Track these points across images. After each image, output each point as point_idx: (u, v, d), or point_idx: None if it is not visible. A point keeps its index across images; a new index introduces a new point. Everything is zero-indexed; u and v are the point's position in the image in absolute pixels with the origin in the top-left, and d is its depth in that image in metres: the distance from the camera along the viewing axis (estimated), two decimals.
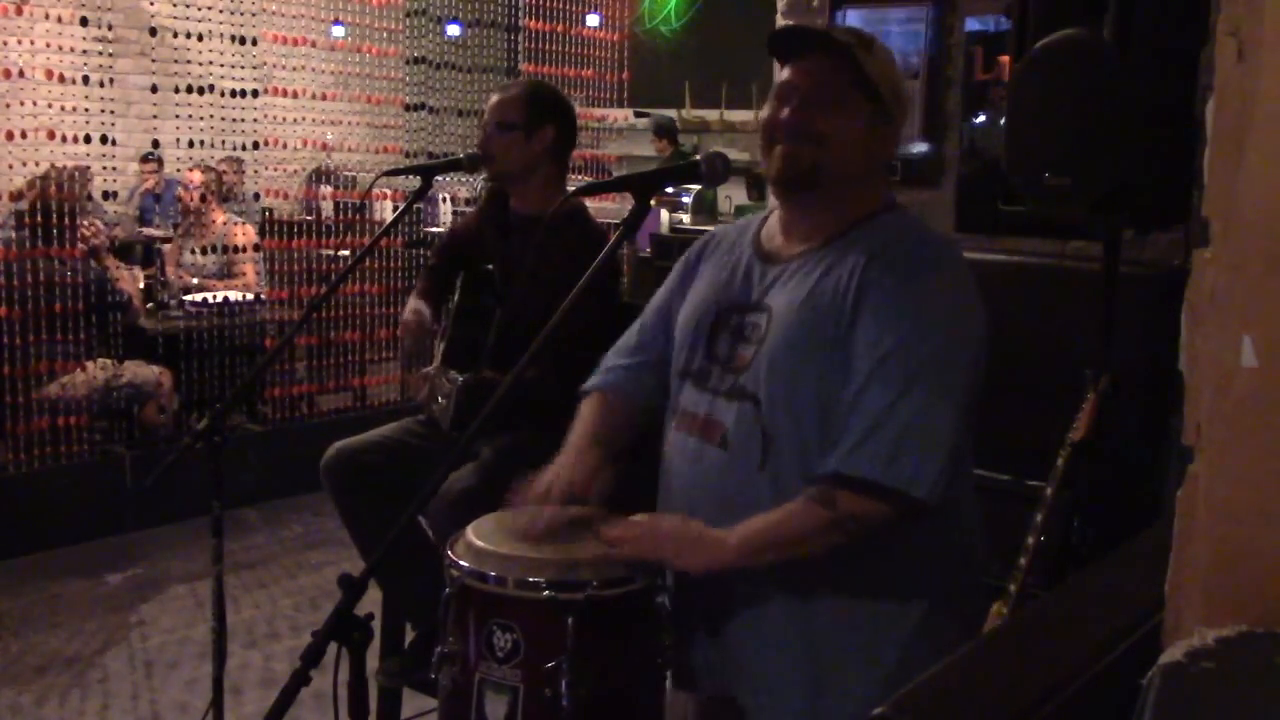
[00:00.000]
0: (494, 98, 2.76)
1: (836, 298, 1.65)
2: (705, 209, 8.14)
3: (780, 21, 3.77)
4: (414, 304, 2.82)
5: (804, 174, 1.72)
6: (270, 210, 6.14)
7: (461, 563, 1.67)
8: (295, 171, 6.84)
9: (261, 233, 5.73)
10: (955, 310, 1.67)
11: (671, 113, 9.15)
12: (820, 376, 1.64)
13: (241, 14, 5.44)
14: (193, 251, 5.52)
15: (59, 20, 5.02)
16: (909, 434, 1.57)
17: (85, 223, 4.56)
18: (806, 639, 1.68)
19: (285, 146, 5.82)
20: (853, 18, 3.33)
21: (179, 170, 6.36)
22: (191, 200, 5.52)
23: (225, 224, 5.60)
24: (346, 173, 7.24)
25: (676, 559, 1.67)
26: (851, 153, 1.71)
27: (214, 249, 5.48)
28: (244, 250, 5.54)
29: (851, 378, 1.61)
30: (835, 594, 1.67)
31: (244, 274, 5.55)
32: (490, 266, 2.73)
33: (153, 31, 5.20)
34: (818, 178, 1.72)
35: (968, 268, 1.72)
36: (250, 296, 5.38)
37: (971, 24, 3.08)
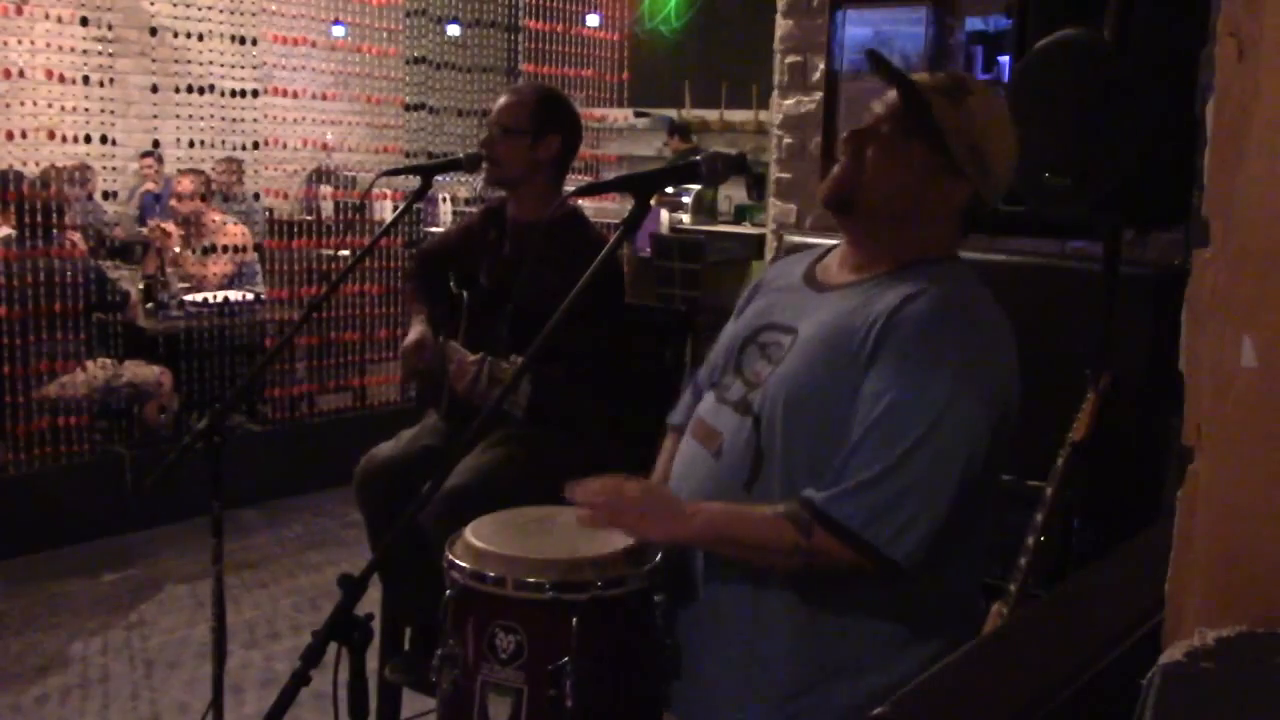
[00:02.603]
0: (502, 99, 2.71)
1: (859, 335, 1.61)
2: (705, 209, 8.13)
3: (781, 22, 3.77)
4: (416, 330, 2.71)
5: (840, 195, 1.71)
6: (270, 210, 6.14)
7: (462, 564, 1.67)
8: (295, 171, 6.84)
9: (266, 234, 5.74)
10: (980, 373, 1.60)
11: (671, 113, 9.15)
12: (824, 409, 1.61)
13: (241, 14, 5.44)
14: (192, 252, 5.52)
15: (59, 20, 5.02)
16: (905, 495, 1.54)
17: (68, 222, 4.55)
18: (768, 680, 1.65)
19: (285, 146, 5.82)
20: (852, 18, 3.34)
21: (179, 170, 6.36)
22: (182, 207, 5.51)
23: (222, 224, 5.59)
24: (346, 173, 7.24)
25: (638, 525, 1.66)
26: (890, 191, 1.67)
27: (214, 249, 5.48)
28: (243, 251, 5.54)
29: (858, 419, 1.58)
30: (800, 634, 1.64)
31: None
32: (478, 274, 2.70)
33: (153, 31, 5.20)
34: (852, 201, 1.70)
35: (1009, 330, 1.66)
36: (250, 296, 5.38)
37: (971, 24, 3.09)
